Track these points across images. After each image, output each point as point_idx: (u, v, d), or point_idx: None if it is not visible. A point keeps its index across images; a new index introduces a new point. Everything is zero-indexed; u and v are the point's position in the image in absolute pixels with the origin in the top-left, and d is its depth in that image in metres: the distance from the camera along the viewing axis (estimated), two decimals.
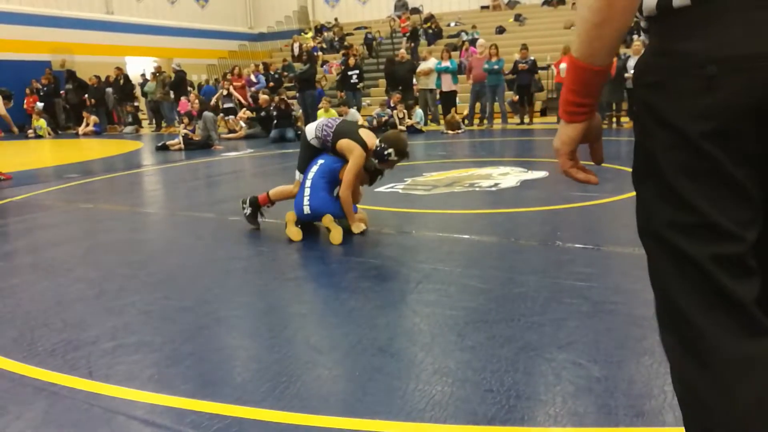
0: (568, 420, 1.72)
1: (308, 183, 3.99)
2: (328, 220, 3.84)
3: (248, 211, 4.25)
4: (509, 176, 6.01)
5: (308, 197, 3.93)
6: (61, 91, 17.18)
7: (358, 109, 13.24)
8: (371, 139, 4.00)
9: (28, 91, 16.67)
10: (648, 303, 2.58)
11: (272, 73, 15.96)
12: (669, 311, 1.00)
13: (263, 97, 12.82)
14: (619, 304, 2.60)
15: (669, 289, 0.99)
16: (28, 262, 3.66)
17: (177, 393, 1.98)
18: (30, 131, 15.51)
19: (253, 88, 15.06)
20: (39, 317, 2.72)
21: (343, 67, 14.26)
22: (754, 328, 0.90)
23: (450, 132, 11.49)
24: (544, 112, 14.76)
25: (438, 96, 13.01)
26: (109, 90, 16.98)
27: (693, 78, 0.87)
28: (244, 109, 13.83)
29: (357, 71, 13.68)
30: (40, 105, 16.21)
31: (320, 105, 12.37)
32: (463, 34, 18.36)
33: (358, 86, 13.76)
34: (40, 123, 15.70)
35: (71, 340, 2.44)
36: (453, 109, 12.29)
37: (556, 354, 2.13)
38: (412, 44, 17.97)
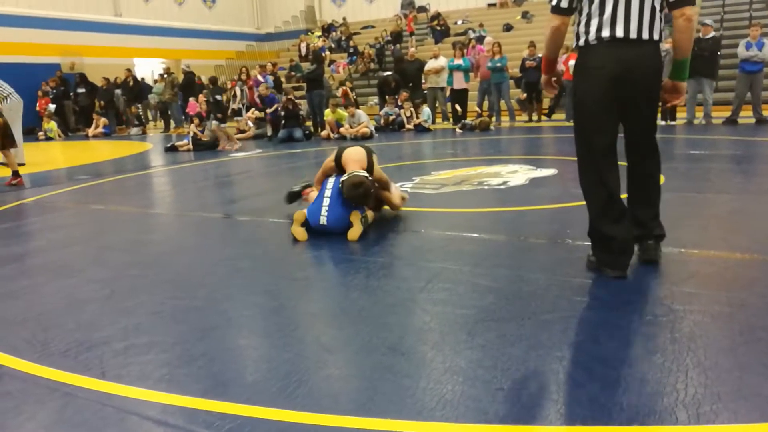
0: (580, 418, 1.72)
1: (327, 193, 4.00)
2: (354, 216, 3.93)
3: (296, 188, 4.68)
4: (518, 174, 6.00)
5: (327, 208, 3.93)
6: (71, 93, 17.29)
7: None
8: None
9: (39, 93, 16.81)
10: (658, 301, 2.58)
11: (269, 75, 15.96)
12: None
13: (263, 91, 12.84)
14: (630, 302, 2.58)
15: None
16: (40, 263, 3.69)
17: (189, 393, 1.99)
18: (40, 133, 15.64)
19: (259, 87, 15.10)
20: (51, 318, 2.74)
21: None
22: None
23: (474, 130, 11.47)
24: (552, 110, 14.70)
25: (448, 94, 13.00)
26: (118, 92, 17.10)
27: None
28: (253, 109, 13.87)
29: (393, 87, 13.75)
30: (52, 107, 16.35)
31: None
32: (470, 31, 18.33)
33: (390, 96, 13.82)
34: (51, 125, 15.83)
35: (84, 340, 2.46)
36: (485, 113, 12.22)
37: (567, 352, 2.12)
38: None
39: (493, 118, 12.19)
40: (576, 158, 3.03)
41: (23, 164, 9.19)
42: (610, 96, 2.82)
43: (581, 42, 2.88)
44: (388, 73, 14.49)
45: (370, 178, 4.02)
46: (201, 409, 1.88)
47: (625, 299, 2.62)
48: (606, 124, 2.88)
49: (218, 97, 9.30)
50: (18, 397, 2.02)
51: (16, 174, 7.15)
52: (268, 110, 11.08)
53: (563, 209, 4.44)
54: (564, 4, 2.87)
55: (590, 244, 3.05)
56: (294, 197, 4.72)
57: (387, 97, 13.11)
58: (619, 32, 2.75)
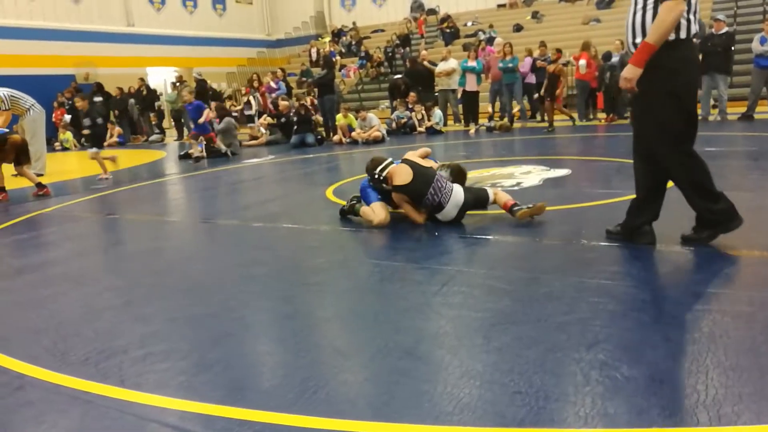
0: (599, 421, 1.70)
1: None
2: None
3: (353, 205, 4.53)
4: (531, 175, 5.97)
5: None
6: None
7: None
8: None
9: (55, 104, 17.03)
10: (675, 301, 2.56)
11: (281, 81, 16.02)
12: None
13: (283, 104, 12.91)
14: (647, 303, 2.56)
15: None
16: (59, 273, 3.74)
17: (206, 400, 2.00)
18: (57, 144, 15.84)
19: (273, 95, 15.18)
20: (71, 327, 2.78)
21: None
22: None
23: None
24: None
25: (459, 95, 12.99)
26: (132, 101, 17.27)
27: None
28: (265, 115, 13.94)
29: (404, 89, 13.78)
30: (67, 118, 16.54)
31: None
32: (480, 33, 18.29)
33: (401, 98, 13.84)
34: (67, 135, 16.02)
35: (103, 348, 2.48)
36: (497, 115, 12.17)
37: (584, 354, 2.10)
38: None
39: (506, 119, 12.12)
40: (663, 154, 3.12)
41: (43, 174, 9.31)
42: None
43: (682, 34, 2.93)
44: (398, 76, 14.49)
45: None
46: (219, 416, 1.90)
47: (643, 299, 2.59)
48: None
49: (99, 120, 8.52)
50: (39, 406, 2.05)
51: (40, 185, 7.25)
52: (200, 120, 10.66)
53: (578, 210, 4.42)
54: None
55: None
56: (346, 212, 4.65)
57: (398, 99, 13.14)
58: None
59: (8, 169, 7.47)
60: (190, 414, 1.93)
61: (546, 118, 11.44)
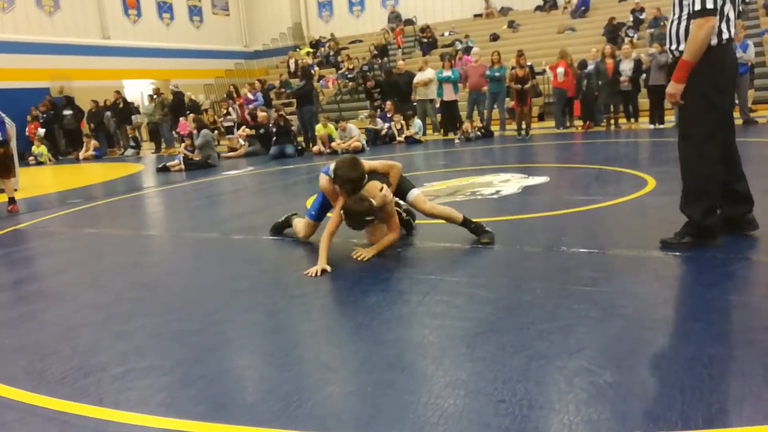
0: (583, 428, 1.71)
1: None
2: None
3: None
4: (510, 183, 6.02)
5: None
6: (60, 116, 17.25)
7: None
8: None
9: (29, 118, 16.78)
10: (656, 305, 2.59)
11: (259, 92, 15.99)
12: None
13: (262, 115, 12.88)
14: (628, 308, 2.59)
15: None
16: (36, 290, 3.66)
17: (189, 416, 1.97)
18: (31, 158, 15.58)
19: (250, 106, 15.14)
20: (48, 345, 2.72)
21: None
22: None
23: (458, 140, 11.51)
24: (541, 117, 14.79)
25: (437, 105, 13.08)
26: (108, 114, 17.08)
27: None
28: (244, 126, 13.89)
29: (378, 89, 13.85)
30: (41, 131, 16.30)
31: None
32: (457, 43, 18.47)
33: (377, 101, 13.91)
34: (41, 149, 15.77)
35: (81, 366, 2.43)
36: (469, 121, 12.25)
37: (567, 361, 2.12)
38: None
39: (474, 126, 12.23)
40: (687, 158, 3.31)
41: (16, 189, 9.15)
42: None
43: (713, 42, 3.12)
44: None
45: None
46: None
47: (624, 305, 2.62)
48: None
49: None
50: (14, 428, 1.99)
51: (12, 200, 7.13)
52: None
53: (557, 217, 4.46)
54: (711, 5, 3.08)
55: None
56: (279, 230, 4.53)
57: (369, 111, 13.38)
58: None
59: None
60: (171, 431, 1.90)
61: (521, 125, 11.60)
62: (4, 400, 2.19)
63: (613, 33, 16.04)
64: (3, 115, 9.13)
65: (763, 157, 6.77)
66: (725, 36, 3.14)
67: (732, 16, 3.17)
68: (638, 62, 10.80)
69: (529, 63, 12.66)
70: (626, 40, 14.12)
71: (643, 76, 11.01)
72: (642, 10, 16.85)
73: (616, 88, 11.01)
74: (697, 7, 3.08)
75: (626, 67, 10.86)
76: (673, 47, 3.29)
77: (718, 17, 3.10)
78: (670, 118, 10.96)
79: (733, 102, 3.37)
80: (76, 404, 2.11)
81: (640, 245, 3.52)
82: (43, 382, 2.32)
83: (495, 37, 18.90)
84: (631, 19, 16.84)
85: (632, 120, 11.37)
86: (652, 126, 10.91)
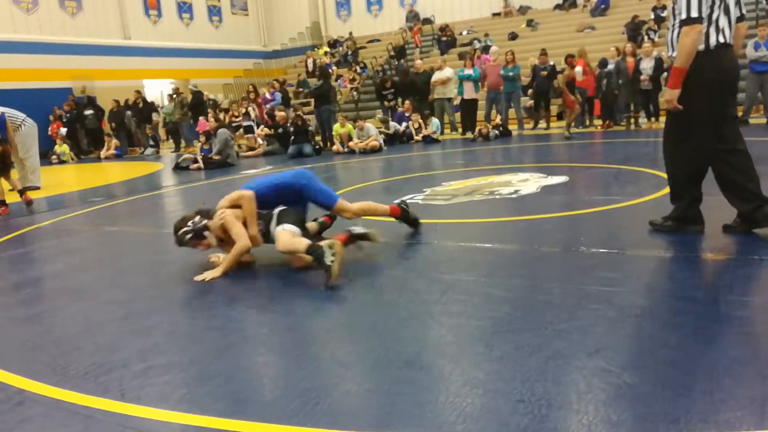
0: (603, 428, 1.70)
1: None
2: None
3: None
4: (529, 183, 5.98)
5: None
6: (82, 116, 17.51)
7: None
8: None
9: (51, 117, 17.06)
10: (674, 306, 2.56)
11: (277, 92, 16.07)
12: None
13: (280, 114, 12.95)
14: (646, 309, 2.56)
15: None
16: (58, 287, 3.73)
17: (208, 413, 1.99)
18: (53, 157, 15.84)
19: (268, 105, 15.23)
20: (70, 341, 2.76)
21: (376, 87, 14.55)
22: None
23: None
24: (560, 116, 14.67)
25: (456, 103, 13.06)
26: (129, 113, 17.30)
27: None
28: (262, 126, 13.98)
29: (392, 90, 13.84)
30: (63, 131, 16.56)
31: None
32: (475, 42, 18.40)
33: (391, 102, 13.89)
34: (63, 148, 16.03)
35: (103, 362, 2.47)
36: (487, 122, 12.17)
37: (586, 361, 2.10)
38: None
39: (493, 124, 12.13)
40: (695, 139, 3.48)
41: (39, 187, 9.32)
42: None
43: (700, 47, 3.33)
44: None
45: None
46: (221, 429, 1.89)
47: (642, 306, 2.60)
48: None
49: None
50: (39, 422, 2.03)
51: (2, 203, 7.23)
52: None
53: (576, 216, 4.43)
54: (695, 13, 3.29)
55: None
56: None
57: (385, 102, 13.32)
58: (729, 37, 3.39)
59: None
60: (192, 427, 1.92)
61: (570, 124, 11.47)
62: (29, 395, 2.23)
63: (635, 31, 15.85)
64: (20, 116, 9.29)
65: None
66: (713, 41, 3.32)
67: (723, 22, 3.33)
68: (659, 61, 10.66)
69: (551, 62, 12.56)
70: (646, 38, 13.95)
71: (664, 74, 10.87)
72: (663, 7, 16.60)
73: (637, 87, 10.88)
74: (683, 16, 3.31)
75: (647, 65, 10.73)
76: (669, 54, 3.51)
77: (706, 24, 3.30)
78: None
79: (731, 105, 3.56)
80: (99, 399, 2.14)
81: (660, 246, 3.48)
82: (67, 377, 2.36)
83: (514, 36, 18.80)
84: (653, 16, 16.62)
85: (652, 119, 11.24)
86: None
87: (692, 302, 2.58)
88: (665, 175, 3.79)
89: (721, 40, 3.35)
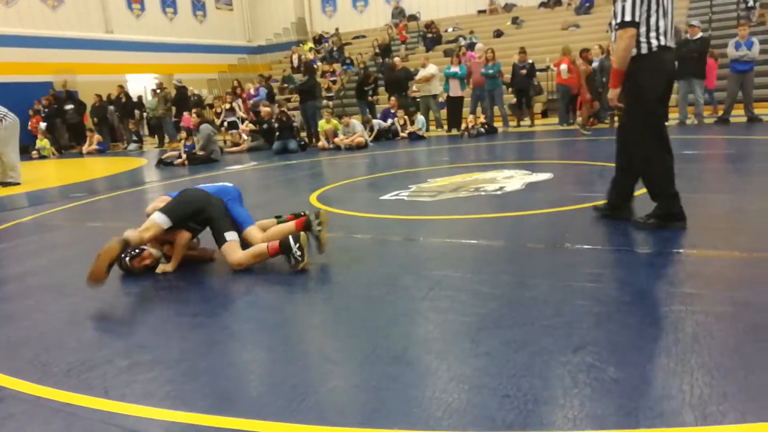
0: (588, 423, 1.71)
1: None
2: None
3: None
4: (514, 179, 6.01)
5: None
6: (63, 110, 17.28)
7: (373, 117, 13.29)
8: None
9: (31, 112, 16.81)
10: (660, 302, 2.59)
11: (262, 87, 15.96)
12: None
13: (265, 110, 12.87)
14: (631, 304, 2.59)
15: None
16: (40, 283, 3.68)
17: (194, 409, 1.98)
18: (34, 152, 15.61)
19: (251, 101, 15.14)
20: (53, 337, 2.73)
21: (357, 82, 14.44)
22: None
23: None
24: (545, 114, 14.78)
25: (441, 100, 13.08)
26: (111, 108, 17.10)
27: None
28: (247, 121, 13.89)
29: (372, 85, 13.83)
30: (43, 125, 16.33)
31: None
32: (461, 39, 18.42)
33: (371, 97, 13.87)
34: (44, 143, 15.80)
35: (86, 359, 2.44)
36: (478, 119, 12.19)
37: (572, 357, 2.12)
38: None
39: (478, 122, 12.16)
40: (640, 141, 3.68)
41: (19, 183, 9.18)
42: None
43: (643, 50, 3.53)
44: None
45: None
46: (207, 426, 1.88)
47: (627, 301, 2.62)
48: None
49: None
50: (21, 419, 2.01)
51: None
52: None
53: (561, 213, 4.46)
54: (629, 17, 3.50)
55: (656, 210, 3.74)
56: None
57: (368, 97, 13.33)
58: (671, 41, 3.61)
59: None
60: (178, 424, 1.91)
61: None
62: (11, 392, 2.20)
63: None
64: (1, 110, 9.15)
65: None
66: (655, 44, 3.52)
67: (662, 24, 3.52)
68: None
69: (530, 60, 12.63)
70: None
71: None
72: None
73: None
74: (618, 20, 3.51)
75: None
76: (610, 56, 3.85)
77: (645, 28, 3.49)
78: (674, 116, 10.94)
79: (664, 107, 3.80)
80: (82, 396, 2.12)
81: (643, 242, 3.52)
82: (49, 374, 2.33)
83: (499, 34, 18.85)
84: (672, 8, 16.70)
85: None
86: None
87: (677, 298, 2.62)
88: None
89: (662, 42, 3.52)
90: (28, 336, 2.77)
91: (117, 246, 3.23)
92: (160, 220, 3.55)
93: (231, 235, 3.62)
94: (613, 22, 3.62)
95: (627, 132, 3.78)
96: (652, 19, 3.48)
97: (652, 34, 3.50)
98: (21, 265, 4.25)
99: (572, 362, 2.08)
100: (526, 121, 13.10)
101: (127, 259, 3.66)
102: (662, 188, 3.71)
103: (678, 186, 3.72)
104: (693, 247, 3.32)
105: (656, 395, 1.83)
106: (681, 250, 3.29)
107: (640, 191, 3.99)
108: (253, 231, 3.77)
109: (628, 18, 3.47)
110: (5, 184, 9.11)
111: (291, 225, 3.79)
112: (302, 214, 4.02)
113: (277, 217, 4.18)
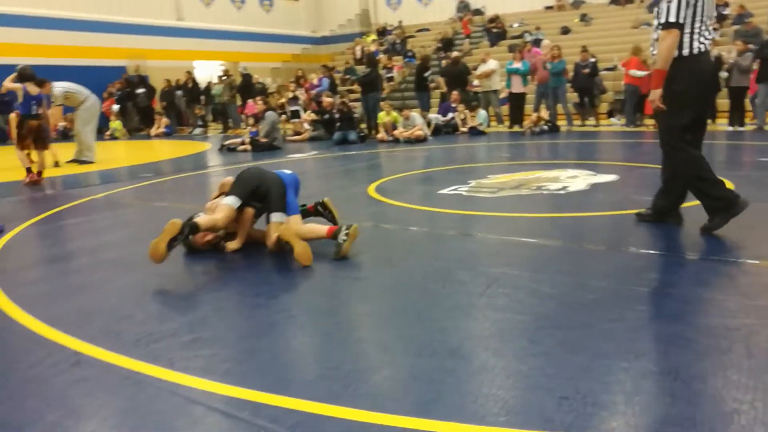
0: (650, 430, 1.67)
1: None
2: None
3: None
4: (578, 179, 5.88)
5: None
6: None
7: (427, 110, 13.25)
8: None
9: (105, 95, 17.58)
10: (726, 313, 2.48)
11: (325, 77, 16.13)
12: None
13: (327, 100, 13.01)
14: (697, 314, 2.50)
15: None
16: (112, 257, 3.85)
17: (252, 387, 2.03)
18: (107, 133, 16.32)
19: (314, 91, 15.33)
20: (123, 309, 2.86)
21: (416, 69, 14.39)
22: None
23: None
24: (611, 114, 14.34)
25: (502, 96, 12.90)
26: (179, 93, 17.67)
27: None
28: (309, 111, 14.08)
29: (431, 71, 13.82)
30: (115, 107, 17.05)
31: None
32: (526, 34, 18.08)
33: (431, 84, 13.84)
34: (116, 125, 16.50)
35: (153, 331, 2.55)
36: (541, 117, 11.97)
37: (633, 363, 2.06)
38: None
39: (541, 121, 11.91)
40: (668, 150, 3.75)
41: (93, 162, 9.63)
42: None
43: (685, 52, 3.54)
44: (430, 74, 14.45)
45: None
46: (264, 404, 1.93)
47: (693, 311, 2.53)
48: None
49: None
50: (95, 383, 2.12)
51: (40, 173, 7.52)
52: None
53: (625, 216, 4.32)
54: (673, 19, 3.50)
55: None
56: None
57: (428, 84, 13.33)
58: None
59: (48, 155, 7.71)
60: (237, 400, 1.97)
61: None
62: (86, 357, 2.32)
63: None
64: (85, 91, 9.61)
65: None
66: (696, 47, 3.51)
67: (704, 29, 3.51)
68: (718, 60, 10.27)
69: (593, 58, 12.28)
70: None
71: (724, 74, 10.47)
72: (726, 4, 15.99)
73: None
74: (662, 20, 3.52)
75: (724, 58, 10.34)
76: (652, 53, 3.74)
77: (689, 30, 3.48)
78: (751, 121, 10.42)
79: (706, 110, 3.82)
80: (149, 365, 2.22)
81: (712, 251, 3.38)
82: (119, 343, 2.44)
83: (566, 31, 18.39)
84: (715, 14, 16.02)
85: (709, 121, 10.84)
86: (730, 128, 10.39)
87: (749, 310, 2.50)
88: (722, 179, 3.69)
89: (702, 47, 3.54)
90: (100, 307, 2.92)
91: (177, 226, 3.35)
92: (230, 201, 3.68)
93: (277, 216, 3.70)
94: (656, 23, 3.61)
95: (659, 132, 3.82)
96: (697, 24, 3.49)
97: (696, 37, 3.51)
98: (94, 239, 4.47)
99: (633, 368, 2.02)
100: (591, 121, 12.76)
101: (190, 235, 3.76)
102: (703, 185, 3.66)
103: (750, 194, 3.57)
104: (762, 258, 3.16)
105: (725, 410, 1.76)
106: (756, 261, 3.14)
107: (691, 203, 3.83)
108: (295, 219, 3.82)
109: (672, 19, 3.48)
110: (81, 162, 9.58)
111: (324, 229, 3.72)
112: (320, 202, 4.19)
113: (301, 206, 4.19)
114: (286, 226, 3.65)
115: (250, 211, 3.84)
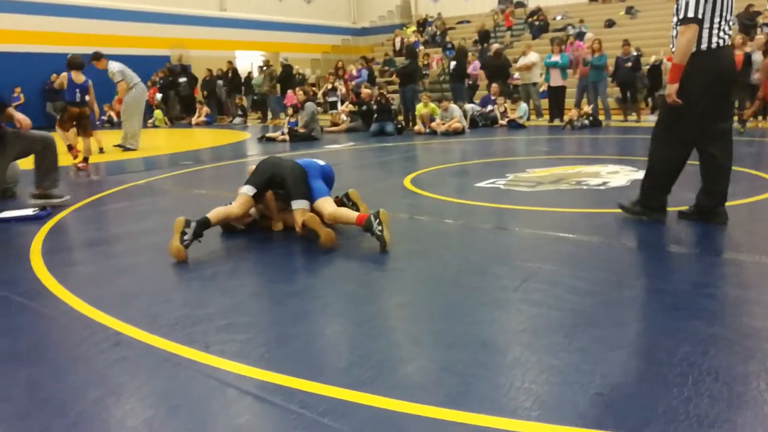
0: (689, 430, 1.63)
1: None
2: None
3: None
4: (619, 175, 5.75)
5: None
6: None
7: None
8: None
9: (149, 84, 17.98)
10: None
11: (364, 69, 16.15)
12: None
13: (365, 92, 13.03)
14: (739, 315, 2.42)
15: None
16: (152, 242, 3.94)
17: (285, 372, 2.06)
18: (150, 121, 16.71)
19: (353, 82, 15.36)
20: (161, 293, 2.93)
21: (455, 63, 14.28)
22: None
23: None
24: (654, 110, 13.97)
25: (543, 90, 12.71)
26: (220, 82, 17.95)
27: None
28: (347, 102, 14.13)
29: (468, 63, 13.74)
30: (158, 96, 17.43)
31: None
32: (569, 27, 17.74)
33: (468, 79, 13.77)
34: (157, 113, 16.87)
35: (190, 315, 2.61)
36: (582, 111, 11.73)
37: (675, 365, 2.01)
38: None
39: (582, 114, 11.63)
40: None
41: (136, 149, 9.87)
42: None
43: (703, 47, 3.54)
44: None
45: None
46: (297, 389, 1.95)
47: (735, 312, 2.45)
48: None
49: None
50: (134, 363, 2.18)
51: (86, 159, 7.76)
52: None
53: (667, 214, 4.21)
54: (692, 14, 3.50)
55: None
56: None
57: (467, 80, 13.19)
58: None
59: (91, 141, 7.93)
60: (270, 384, 1.99)
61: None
62: (126, 338, 2.39)
63: (750, 21, 14.72)
64: (135, 78, 9.85)
65: None
66: (715, 42, 3.51)
67: (723, 24, 3.51)
68: (748, 57, 9.86)
69: (635, 52, 11.97)
70: (759, 31, 12.99)
71: (757, 77, 10.05)
72: (758, 13, 15.36)
73: (746, 81, 10.12)
74: (681, 15, 3.52)
75: (758, 59, 9.98)
76: (671, 48, 3.73)
77: (708, 25, 3.48)
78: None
79: (723, 105, 3.71)
80: (186, 348, 2.27)
81: (759, 251, 3.27)
82: (158, 325, 2.50)
83: (610, 24, 17.98)
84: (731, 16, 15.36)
85: (759, 118, 10.47)
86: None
87: None
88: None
89: (721, 42, 3.53)
90: (140, 290, 3.00)
91: (181, 222, 3.48)
92: (245, 190, 3.85)
93: (299, 203, 3.77)
94: (675, 19, 3.62)
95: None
96: (716, 19, 3.51)
97: (715, 32, 3.52)
98: (135, 224, 4.58)
99: (674, 371, 1.97)
100: (633, 116, 12.46)
101: (202, 231, 3.78)
102: (652, 183, 3.89)
103: None
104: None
105: (766, 412, 1.70)
106: None
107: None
108: (323, 202, 3.84)
109: (690, 14, 3.48)
110: (124, 149, 9.83)
111: (354, 215, 3.71)
112: (345, 194, 4.31)
113: None
114: (311, 215, 3.69)
115: (270, 194, 3.99)
